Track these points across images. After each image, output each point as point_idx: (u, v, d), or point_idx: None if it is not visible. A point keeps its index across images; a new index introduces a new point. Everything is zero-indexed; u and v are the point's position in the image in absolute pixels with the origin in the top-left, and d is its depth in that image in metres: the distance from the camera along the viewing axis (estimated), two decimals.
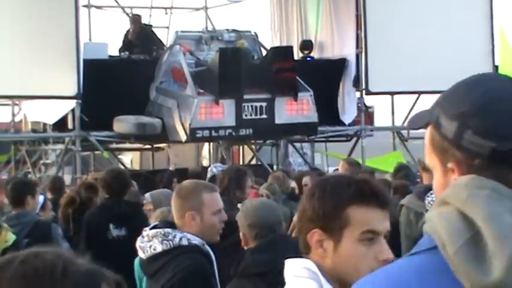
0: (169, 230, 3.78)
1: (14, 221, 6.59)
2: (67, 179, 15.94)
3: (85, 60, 13.91)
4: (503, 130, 1.53)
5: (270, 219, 3.92)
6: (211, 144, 16.98)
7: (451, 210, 1.50)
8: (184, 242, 3.73)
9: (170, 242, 3.72)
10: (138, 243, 3.82)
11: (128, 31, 15.65)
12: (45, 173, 15.82)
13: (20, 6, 13.71)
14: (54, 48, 13.67)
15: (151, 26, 16.71)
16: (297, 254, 3.58)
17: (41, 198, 7.68)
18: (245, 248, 3.90)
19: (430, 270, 1.50)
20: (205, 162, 17.73)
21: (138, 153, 18.82)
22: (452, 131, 1.55)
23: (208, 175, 9.37)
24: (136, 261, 6.18)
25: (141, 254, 3.79)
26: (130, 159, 19.83)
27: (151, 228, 3.86)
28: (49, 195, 9.41)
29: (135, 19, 16.02)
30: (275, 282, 3.51)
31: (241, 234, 3.95)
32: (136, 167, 18.74)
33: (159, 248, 3.73)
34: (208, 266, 3.81)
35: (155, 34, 15.89)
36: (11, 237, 5.89)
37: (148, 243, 3.76)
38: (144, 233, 3.82)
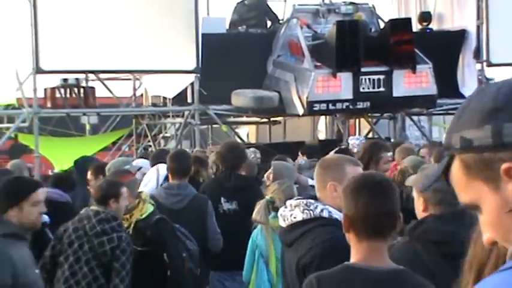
0: (311, 200, 3.82)
1: (175, 190, 6.53)
2: None
3: (203, 35, 14.07)
4: None
5: None
6: (327, 117, 16.96)
7: None
8: (325, 214, 3.74)
9: (311, 211, 3.75)
10: (280, 211, 3.89)
11: (242, 3, 15.56)
12: (164, 146, 16.14)
13: None
14: (174, 24, 13.88)
15: None
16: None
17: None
18: (421, 213, 3.86)
19: None
20: (321, 136, 17.74)
21: (254, 126, 18.97)
22: (487, 135, 1.36)
23: (355, 148, 9.24)
24: (254, 233, 6.24)
25: (282, 223, 3.83)
26: (247, 133, 20.03)
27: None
28: None
29: None
30: (451, 254, 3.41)
31: (420, 199, 3.88)
32: (253, 140, 18.90)
33: (300, 217, 3.76)
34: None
35: (269, 6, 15.85)
36: (148, 209, 5.84)
37: (290, 212, 3.81)
38: (288, 203, 3.88)
